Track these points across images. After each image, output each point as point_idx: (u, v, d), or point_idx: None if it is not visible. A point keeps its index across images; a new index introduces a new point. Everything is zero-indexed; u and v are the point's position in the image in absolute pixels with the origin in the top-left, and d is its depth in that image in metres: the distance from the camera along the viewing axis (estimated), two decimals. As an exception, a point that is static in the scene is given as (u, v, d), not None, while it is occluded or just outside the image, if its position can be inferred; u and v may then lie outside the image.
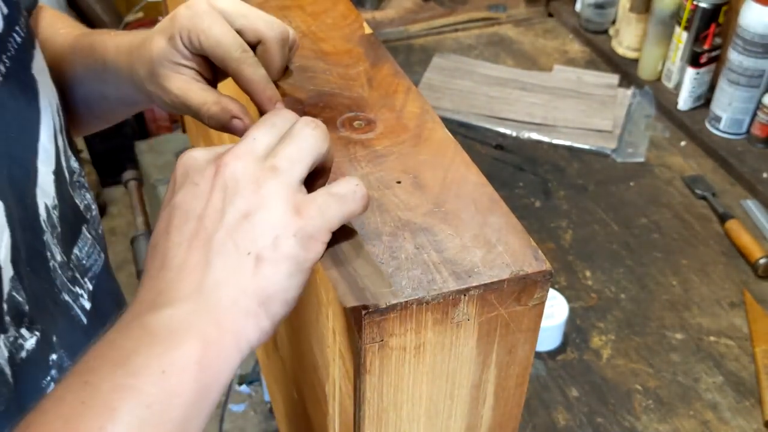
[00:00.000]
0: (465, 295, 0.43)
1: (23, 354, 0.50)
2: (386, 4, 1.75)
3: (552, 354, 1.01)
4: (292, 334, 0.76)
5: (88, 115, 0.69)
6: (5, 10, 0.54)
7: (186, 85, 0.55)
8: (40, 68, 0.58)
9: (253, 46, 0.54)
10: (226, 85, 0.58)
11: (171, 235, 0.41)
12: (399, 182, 0.51)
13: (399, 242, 0.46)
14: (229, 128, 0.53)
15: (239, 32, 0.53)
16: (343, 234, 0.45)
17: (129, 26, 2.24)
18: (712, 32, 1.34)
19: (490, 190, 0.50)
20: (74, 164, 0.63)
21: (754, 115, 1.31)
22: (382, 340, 0.43)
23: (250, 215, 0.40)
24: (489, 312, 0.45)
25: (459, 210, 0.48)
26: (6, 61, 0.53)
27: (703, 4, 1.32)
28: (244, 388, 1.73)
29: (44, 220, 0.55)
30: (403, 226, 0.47)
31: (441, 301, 0.43)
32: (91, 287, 0.62)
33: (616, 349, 1.01)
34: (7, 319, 0.48)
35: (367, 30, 0.67)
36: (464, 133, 1.38)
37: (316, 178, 0.46)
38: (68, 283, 0.58)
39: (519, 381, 0.50)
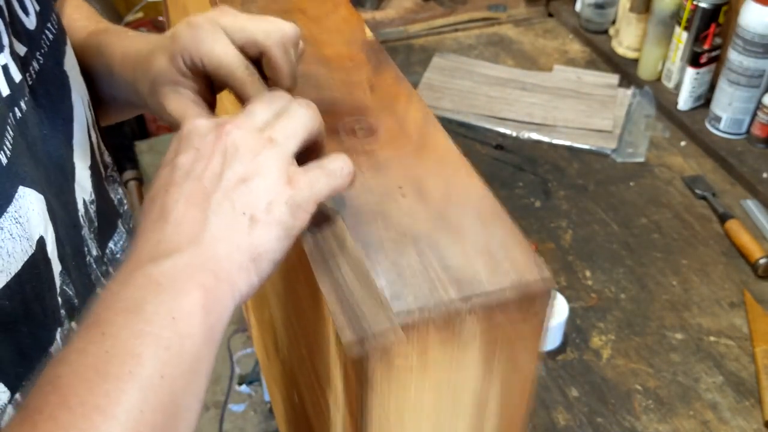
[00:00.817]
0: (469, 309, 0.43)
1: None
2: (386, 4, 1.75)
3: (552, 354, 1.01)
4: (293, 338, 0.76)
5: (101, 111, 0.70)
6: (37, 7, 0.55)
7: (183, 106, 0.55)
8: (71, 64, 0.59)
9: (257, 59, 0.54)
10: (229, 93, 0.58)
11: (170, 191, 0.43)
12: (402, 192, 0.50)
13: (402, 254, 0.46)
14: None
15: (241, 48, 0.53)
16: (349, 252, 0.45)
17: (129, 26, 2.24)
18: (712, 32, 1.34)
19: (492, 201, 0.50)
20: (107, 159, 0.65)
21: (754, 115, 1.31)
22: (387, 357, 0.43)
23: (247, 180, 0.43)
24: (492, 325, 0.45)
25: (462, 221, 0.48)
26: (39, 58, 0.54)
27: (703, 4, 1.32)
28: (244, 388, 1.74)
29: (82, 216, 0.57)
30: (406, 238, 0.47)
31: (445, 316, 0.43)
32: None
33: (616, 349, 1.02)
34: (62, 312, 0.51)
35: (369, 35, 0.67)
36: (464, 133, 1.38)
37: (308, 155, 0.48)
38: (102, 278, 0.60)
39: (523, 394, 0.50)
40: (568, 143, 1.37)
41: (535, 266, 0.45)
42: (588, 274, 1.12)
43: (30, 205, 0.46)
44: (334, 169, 0.46)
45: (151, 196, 0.45)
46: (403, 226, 0.48)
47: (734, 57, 1.28)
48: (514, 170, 1.31)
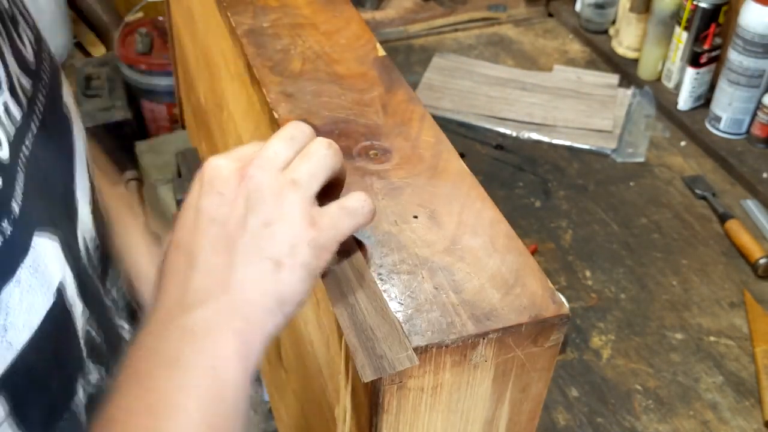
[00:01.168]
0: (483, 338, 0.43)
1: (93, 390, 0.50)
2: (386, 4, 1.75)
3: (552, 354, 1.01)
4: (298, 352, 0.76)
5: None
6: (31, 35, 0.52)
7: None
8: (68, 94, 0.57)
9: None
10: (238, 100, 0.58)
11: (196, 238, 0.43)
12: (416, 217, 0.50)
13: (417, 281, 0.46)
14: None
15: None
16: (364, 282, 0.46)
17: (129, 26, 2.24)
18: (712, 32, 1.34)
19: (506, 227, 0.50)
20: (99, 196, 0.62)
21: (754, 115, 1.31)
22: (401, 382, 0.43)
23: (271, 224, 0.43)
24: (506, 353, 0.45)
25: (476, 248, 0.48)
26: (42, 89, 0.51)
27: (703, 4, 1.32)
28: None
29: (87, 260, 0.54)
30: (421, 264, 0.47)
31: (460, 345, 0.43)
32: (128, 327, 0.62)
33: (616, 349, 1.02)
34: (84, 354, 0.49)
35: (381, 52, 0.67)
36: (464, 133, 1.38)
37: (329, 192, 0.48)
38: (117, 317, 0.59)
39: (531, 416, 0.50)
40: (568, 143, 1.37)
41: (550, 296, 0.45)
42: (588, 274, 1.12)
43: (46, 252, 0.44)
44: (355, 207, 0.46)
45: (176, 241, 0.44)
46: (417, 251, 0.48)
47: (734, 57, 1.28)
48: (514, 170, 1.31)
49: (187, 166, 1.48)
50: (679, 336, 1.03)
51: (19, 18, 0.51)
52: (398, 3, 1.75)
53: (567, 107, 1.44)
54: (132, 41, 2.17)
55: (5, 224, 0.40)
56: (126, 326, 0.60)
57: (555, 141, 1.37)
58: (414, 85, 0.53)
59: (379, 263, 0.47)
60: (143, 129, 2.31)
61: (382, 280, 0.46)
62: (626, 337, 1.03)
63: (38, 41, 0.53)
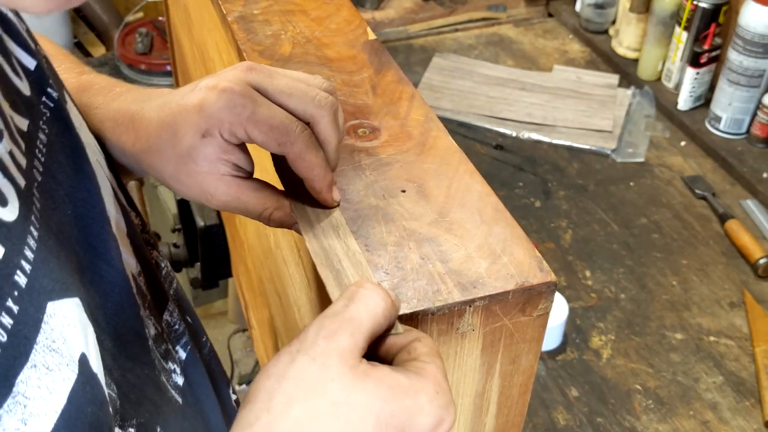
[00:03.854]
0: (470, 306, 0.44)
1: None
2: (386, 4, 1.75)
3: (552, 354, 1.01)
4: (294, 338, 0.76)
5: None
6: (29, 62, 0.46)
7: (233, 189, 0.50)
8: (78, 122, 0.50)
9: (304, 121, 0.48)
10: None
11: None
12: (404, 191, 0.51)
13: (404, 252, 0.46)
14: (293, 229, 0.51)
15: (286, 108, 0.47)
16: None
17: (129, 26, 2.24)
18: (712, 32, 1.34)
19: (494, 200, 0.50)
20: (136, 220, 0.56)
21: (754, 115, 1.32)
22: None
23: None
24: (493, 323, 0.45)
25: (464, 220, 0.48)
26: (44, 127, 0.45)
27: (703, 4, 1.32)
28: (244, 387, 1.74)
29: (135, 294, 0.50)
30: (408, 236, 0.47)
31: (446, 312, 0.43)
32: (183, 356, 0.57)
33: (616, 349, 1.02)
34: (111, 420, 0.43)
35: (371, 35, 0.67)
36: (464, 133, 1.38)
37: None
38: (162, 360, 0.52)
39: (522, 390, 0.50)
40: (568, 143, 1.37)
41: (537, 265, 0.46)
42: (588, 274, 1.12)
43: (64, 321, 0.38)
44: None
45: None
46: (404, 224, 0.48)
47: (734, 57, 1.28)
48: (514, 170, 1.31)
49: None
50: (679, 336, 1.03)
51: (12, 45, 0.45)
52: (398, 3, 1.75)
53: (567, 107, 1.44)
54: (132, 41, 2.17)
55: (10, 303, 0.35)
56: (176, 367, 0.55)
57: (555, 141, 1.37)
58: (414, 85, 0.53)
59: (367, 236, 0.47)
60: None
61: (368, 251, 0.46)
62: (626, 337, 1.03)
63: (39, 69, 0.47)
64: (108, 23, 2.37)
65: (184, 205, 1.46)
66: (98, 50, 2.49)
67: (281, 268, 0.76)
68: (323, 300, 0.55)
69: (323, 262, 0.46)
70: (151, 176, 0.54)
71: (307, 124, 0.47)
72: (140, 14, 2.33)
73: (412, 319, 0.42)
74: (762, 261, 1.11)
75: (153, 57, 2.14)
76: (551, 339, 1.01)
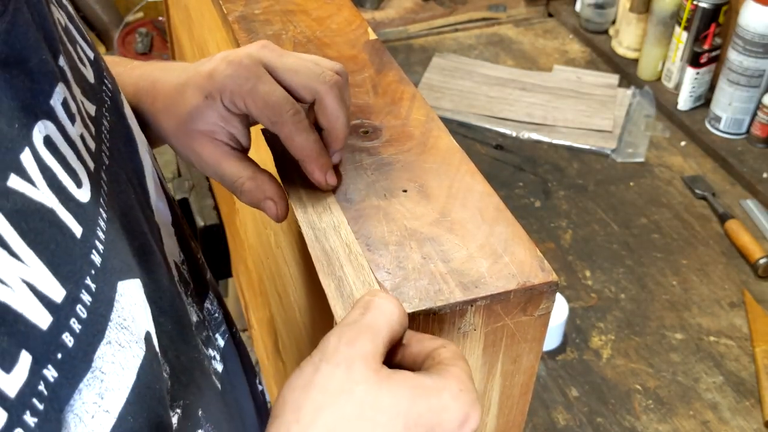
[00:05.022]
0: (471, 305, 0.44)
1: None
2: (386, 4, 1.75)
3: (552, 354, 1.01)
4: (294, 338, 0.76)
5: None
6: (90, 54, 0.48)
7: (219, 153, 0.51)
8: (129, 113, 0.52)
9: (307, 102, 0.50)
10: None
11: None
12: (405, 191, 0.51)
13: (406, 252, 0.46)
14: (261, 208, 0.51)
15: (289, 89, 0.49)
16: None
17: (129, 26, 2.24)
18: (712, 32, 1.34)
19: (496, 200, 0.50)
20: (178, 210, 0.59)
21: (754, 115, 1.32)
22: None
23: None
24: (495, 322, 0.45)
25: (465, 220, 0.48)
26: (107, 114, 0.47)
27: (703, 4, 1.33)
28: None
29: (178, 281, 0.52)
30: (409, 236, 0.47)
31: (448, 312, 0.43)
32: (222, 344, 0.59)
33: (616, 349, 1.02)
34: (168, 401, 0.45)
35: (372, 35, 0.67)
36: (464, 133, 1.38)
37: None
38: (203, 347, 0.55)
39: (523, 390, 0.50)
40: (568, 143, 1.37)
41: (539, 264, 0.46)
42: (588, 274, 1.12)
43: (131, 300, 0.40)
44: None
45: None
46: (406, 223, 0.48)
47: (734, 57, 1.28)
48: (514, 170, 1.31)
49: (187, 166, 1.48)
50: (679, 336, 1.03)
51: (76, 35, 0.47)
52: (398, 3, 1.75)
53: (567, 107, 1.44)
54: (132, 41, 2.17)
55: (89, 281, 0.36)
56: (215, 353, 0.56)
57: (555, 141, 1.37)
58: (414, 85, 0.54)
59: (368, 236, 0.47)
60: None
61: (370, 251, 0.46)
62: (626, 337, 1.03)
63: (96, 59, 0.49)
64: (108, 23, 2.37)
65: (184, 205, 1.46)
66: (98, 50, 2.49)
67: (281, 267, 0.76)
68: (316, 298, 0.55)
69: (325, 270, 0.46)
70: (156, 134, 0.56)
71: (314, 102, 0.49)
72: (140, 14, 2.33)
73: (413, 319, 0.43)
74: (762, 261, 1.11)
75: (153, 57, 2.15)
76: (551, 339, 1.01)
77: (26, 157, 0.34)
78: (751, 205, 1.23)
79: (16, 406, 0.30)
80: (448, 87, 1.49)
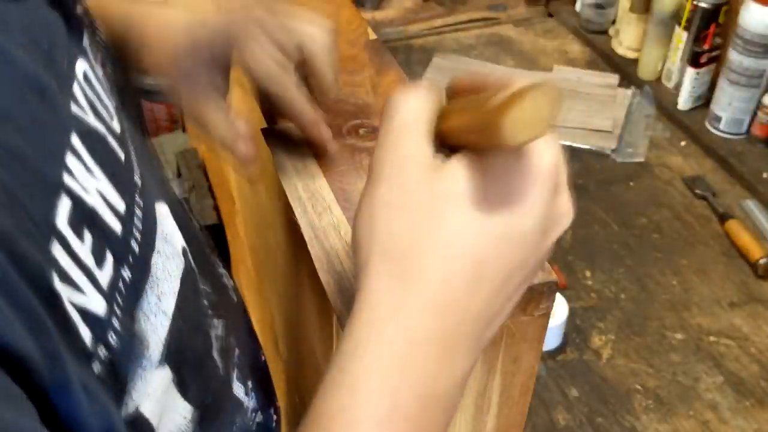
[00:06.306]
0: None
1: (222, 343, 0.53)
2: (386, 4, 1.75)
3: (552, 354, 1.01)
4: (293, 337, 0.76)
5: None
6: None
7: (200, 97, 0.53)
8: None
9: (296, 60, 0.51)
10: (232, 88, 0.58)
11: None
12: None
13: None
14: (233, 149, 0.53)
15: (281, 48, 0.50)
16: None
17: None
18: (712, 32, 1.34)
19: None
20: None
21: (754, 115, 1.31)
22: None
23: None
24: None
25: None
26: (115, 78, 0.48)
27: (703, 4, 1.32)
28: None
29: (191, 215, 0.57)
30: None
31: None
32: (231, 284, 0.65)
33: (616, 349, 1.02)
34: (209, 312, 0.52)
35: (372, 35, 0.67)
36: (464, 133, 1.38)
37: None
38: (221, 274, 0.62)
39: (523, 389, 0.50)
40: (568, 143, 1.37)
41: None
42: (588, 274, 1.12)
43: (167, 220, 0.45)
44: None
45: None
46: None
47: (734, 57, 1.28)
48: (514, 170, 1.31)
49: (187, 166, 1.48)
50: (679, 336, 1.03)
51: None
52: (398, 3, 1.75)
53: (567, 107, 1.44)
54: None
55: (137, 197, 0.40)
56: (223, 271, 0.62)
57: (555, 141, 1.37)
58: (414, 85, 0.55)
59: None
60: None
61: None
62: (626, 337, 1.03)
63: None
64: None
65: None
66: None
67: (282, 267, 0.76)
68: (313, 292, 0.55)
69: (324, 268, 0.46)
70: (137, 65, 0.56)
71: (304, 60, 0.51)
72: (140, 14, 2.33)
73: None
74: (762, 261, 1.11)
75: (153, 57, 2.14)
76: (551, 339, 1.01)
77: (76, 89, 0.38)
78: (751, 205, 1.23)
79: (108, 298, 0.35)
80: (448, 87, 1.49)
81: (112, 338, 0.35)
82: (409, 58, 1.58)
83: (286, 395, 0.92)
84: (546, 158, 0.34)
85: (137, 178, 0.41)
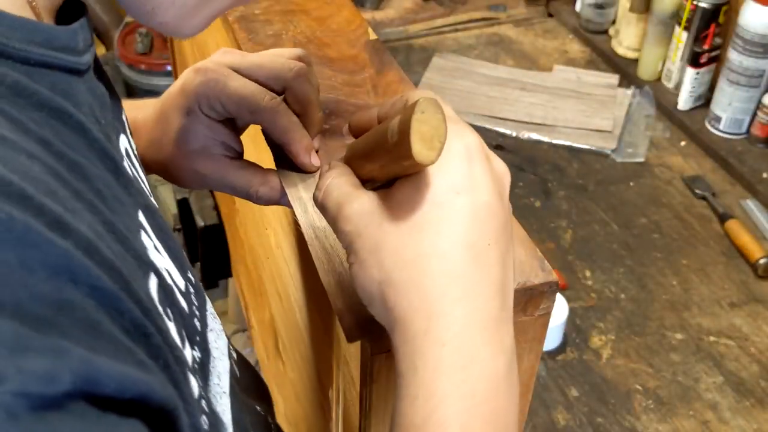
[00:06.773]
0: None
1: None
2: (386, 4, 1.75)
3: (552, 354, 1.01)
4: (294, 338, 0.76)
5: None
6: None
7: (221, 166, 0.53)
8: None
9: (277, 93, 0.52)
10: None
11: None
12: None
13: None
14: (280, 204, 0.53)
15: (263, 85, 0.51)
16: None
17: (129, 26, 2.24)
18: (712, 32, 1.34)
19: None
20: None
21: (754, 115, 1.32)
22: (389, 350, 0.43)
23: None
24: None
25: None
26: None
27: (703, 4, 1.32)
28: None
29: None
30: None
31: None
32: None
33: (616, 349, 1.02)
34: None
35: (372, 35, 0.67)
36: (464, 133, 1.38)
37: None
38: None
39: (523, 390, 0.50)
40: (568, 143, 1.37)
41: (539, 264, 0.46)
42: (588, 274, 1.12)
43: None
44: None
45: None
46: None
47: (734, 57, 1.28)
48: (514, 170, 1.31)
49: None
50: (679, 336, 1.03)
51: None
52: (398, 3, 1.75)
53: (567, 107, 1.44)
54: (132, 41, 2.17)
55: (189, 273, 0.40)
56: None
57: (555, 141, 1.37)
58: (414, 86, 0.54)
59: None
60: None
61: None
62: (626, 337, 1.03)
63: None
64: (108, 23, 2.36)
65: (184, 205, 1.46)
66: (98, 50, 2.49)
67: (282, 267, 0.76)
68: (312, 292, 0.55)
69: (325, 267, 0.46)
70: (155, 173, 0.56)
71: (285, 90, 0.51)
72: (140, 14, 2.32)
73: None
74: (762, 261, 1.11)
75: (153, 57, 2.14)
76: (551, 339, 1.01)
77: (126, 164, 0.37)
78: (751, 205, 1.23)
79: (194, 374, 0.34)
80: (448, 87, 1.49)
81: (205, 422, 0.34)
82: (409, 58, 1.58)
83: (284, 393, 0.92)
84: (465, 140, 0.38)
85: (184, 252, 0.41)
